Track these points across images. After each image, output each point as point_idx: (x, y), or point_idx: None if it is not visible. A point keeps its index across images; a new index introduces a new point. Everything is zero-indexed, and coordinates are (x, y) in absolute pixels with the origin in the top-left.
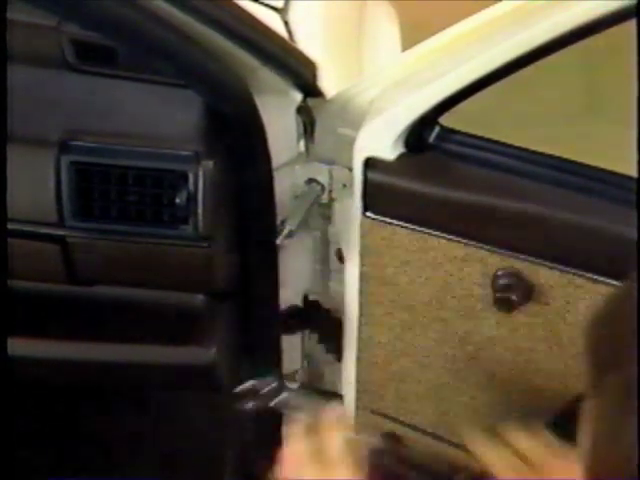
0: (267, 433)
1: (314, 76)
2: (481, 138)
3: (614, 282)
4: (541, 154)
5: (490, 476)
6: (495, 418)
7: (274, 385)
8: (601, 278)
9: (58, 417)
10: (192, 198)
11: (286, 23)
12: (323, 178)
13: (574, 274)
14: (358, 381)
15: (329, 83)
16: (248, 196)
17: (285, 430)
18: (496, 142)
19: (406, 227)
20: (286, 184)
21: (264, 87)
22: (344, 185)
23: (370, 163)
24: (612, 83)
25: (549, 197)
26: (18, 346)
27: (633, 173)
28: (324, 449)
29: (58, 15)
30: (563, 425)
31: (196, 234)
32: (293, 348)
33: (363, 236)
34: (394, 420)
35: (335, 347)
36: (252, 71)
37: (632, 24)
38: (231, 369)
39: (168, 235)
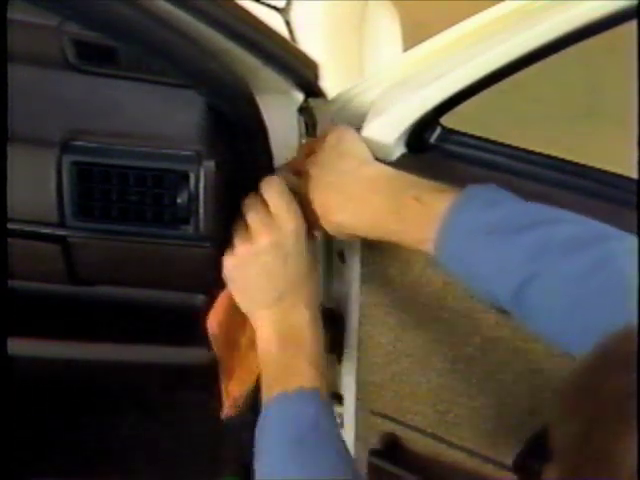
0: None
1: (316, 76)
2: (482, 139)
3: None
4: (541, 154)
5: None
6: (495, 419)
7: None
8: None
9: (58, 417)
10: (193, 198)
11: (287, 23)
12: None
13: None
14: (358, 381)
15: (331, 83)
16: (250, 196)
17: None
18: (497, 143)
19: None
20: None
21: (265, 87)
22: None
23: None
24: (612, 84)
25: (549, 198)
26: (18, 346)
27: (633, 174)
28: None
29: (59, 15)
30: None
31: (197, 234)
32: None
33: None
34: (394, 420)
35: (335, 347)
36: (253, 71)
37: (632, 24)
38: None
39: (169, 235)
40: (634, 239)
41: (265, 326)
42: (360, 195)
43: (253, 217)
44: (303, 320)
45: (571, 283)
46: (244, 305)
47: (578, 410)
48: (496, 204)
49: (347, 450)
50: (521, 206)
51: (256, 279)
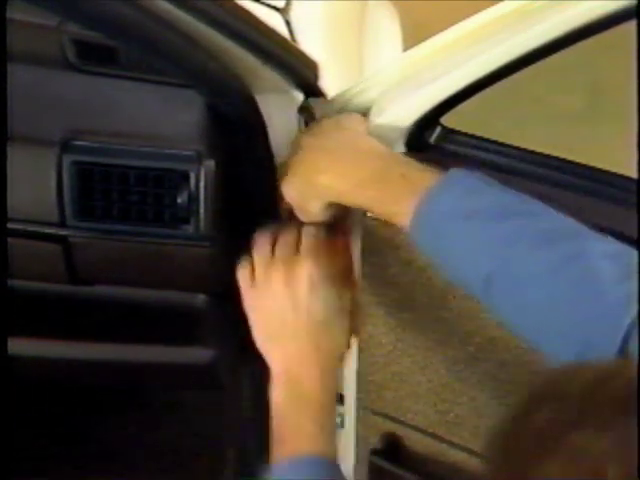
0: (267, 433)
1: (315, 76)
2: (482, 138)
3: None
4: (541, 154)
5: None
6: (495, 419)
7: None
8: None
9: (58, 417)
10: (194, 198)
11: (287, 23)
12: None
13: None
14: (358, 381)
15: (330, 83)
16: (250, 196)
17: None
18: (497, 142)
19: None
20: None
21: (265, 87)
22: None
23: None
24: (612, 83)
25: (549, 198)
26: (18, 346)
27: (633, 174)
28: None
29: (59, 14)
30: None
31: (198, 234)
32: None
33: (365, 236)
34: (394, 420)
35: None
36: (253, 71)
37: (632, 24)
38: (231, 369)
39: (170, 235)
40: (616, 245)
41: (276, 374)
42: (349, 160)
43: (281, 248)
44: (314, 377)
45: (538, 277)
46: (258, 339)
47: (499, 457)
48: (478, 192)
49: None
50: (503, 196)
51: (269, 316)
